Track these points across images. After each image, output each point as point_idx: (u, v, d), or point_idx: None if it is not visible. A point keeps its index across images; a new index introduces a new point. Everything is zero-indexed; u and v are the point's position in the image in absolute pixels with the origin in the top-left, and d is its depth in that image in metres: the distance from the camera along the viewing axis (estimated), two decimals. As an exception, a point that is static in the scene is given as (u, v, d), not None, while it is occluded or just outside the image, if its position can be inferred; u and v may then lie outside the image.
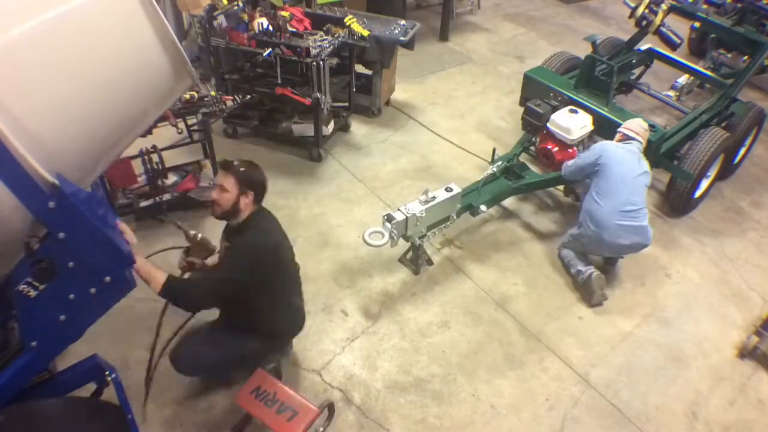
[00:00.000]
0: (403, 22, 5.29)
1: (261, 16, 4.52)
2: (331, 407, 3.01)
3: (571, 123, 4.27)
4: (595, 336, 3.72)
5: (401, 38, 5.01)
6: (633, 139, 3.91)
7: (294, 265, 3.12)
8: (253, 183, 2.79)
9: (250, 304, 2.84)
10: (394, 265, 4.04)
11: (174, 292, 2.59)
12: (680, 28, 7.20)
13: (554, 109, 4.45)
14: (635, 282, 4.14)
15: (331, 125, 5.12)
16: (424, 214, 3.51)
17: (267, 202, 4.35)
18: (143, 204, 4.13)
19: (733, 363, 3.65)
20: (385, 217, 3.45)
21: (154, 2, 1.96)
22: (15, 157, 1.69)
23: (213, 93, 3.91)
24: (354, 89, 5.38)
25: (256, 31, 4.43)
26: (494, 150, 4.62)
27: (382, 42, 4.98)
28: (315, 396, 3.21)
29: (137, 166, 4.05)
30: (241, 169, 2.76)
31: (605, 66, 4.69)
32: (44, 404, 2.31)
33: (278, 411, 2.74)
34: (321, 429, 3.01)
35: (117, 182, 4.06)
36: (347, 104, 5.40)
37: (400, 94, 5.95)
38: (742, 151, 5.19)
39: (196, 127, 4.10)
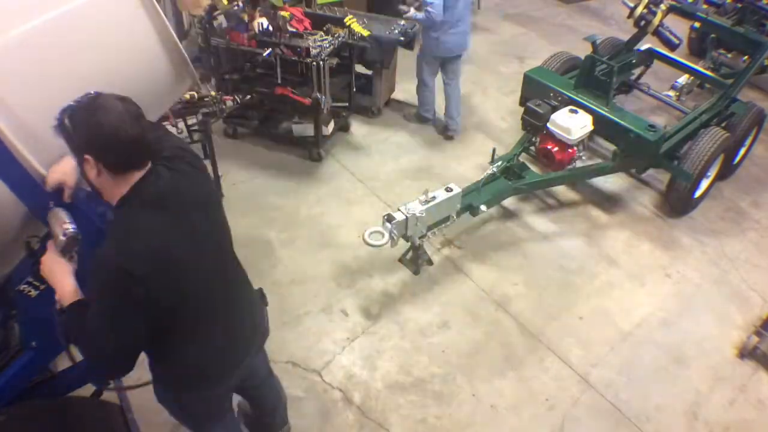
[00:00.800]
0: (402, 22, 5.28)
1: (261, 16, 4.52)
2: None
3: (571, 123, 4.27)
4: (595, 336, 3.72)
5: (400, 38, 5.02)
6: None
7: (213, 282, 1.96)
8: (88, 141, 1.60)
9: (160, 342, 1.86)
10: (394, 265, 4.04)
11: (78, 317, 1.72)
12: (680, 28, 7.21)
13: (554, 109, 4.45)
14: (635, 282, 4.14)
15: (331, 125, 5.12)
16: (424, 214, 3.51)
17: (267, 203, 4.41)
18: None
19: (733, 363, 3.65)
20: (385, 217, 3.45)
21: (155, 3, 1.96)
22: (16, 156, 1.69)
23: (213, 93, 3.91)
24: (354, 89, 5.37)
25: (256, 31, 4.43)
26: (494, 150, 4.62)
27: (381, 42, 4.98)
28: (315, 396, 3.22)
29: None
30: (65, 122, 1.60)
31: (605, 66, 4.68)
32: (44, 404, 2.31)
33: None
34: None
35: None
36: (347, 104, 5.41)
37: (399, 93, 5.94)
38: (742, 151, 5.19)
39: (196, 127, 4.10)
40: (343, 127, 5.41)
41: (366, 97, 5.54)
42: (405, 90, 6.03)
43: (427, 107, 5.49)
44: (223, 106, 3.93)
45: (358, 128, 5.50)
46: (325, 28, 4.66)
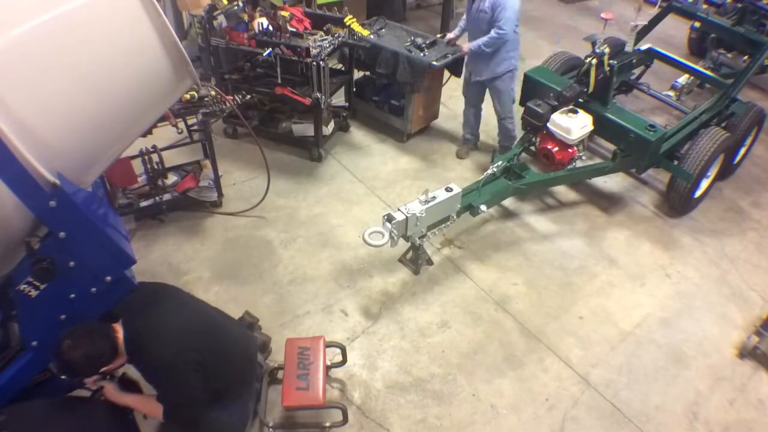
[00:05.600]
0: (419, 40, 4.98)
1: (261, 16, 4.52)
2: (345, 412, 2.99)
3: (571, 123, 4.27)
4: (595, 336, 3.72)
5: (433, 62, 4.69)
6: None
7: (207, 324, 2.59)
8: (88, 366, 2.16)
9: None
10: (394, 265, 4.04)
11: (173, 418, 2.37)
12: (680, 28, 7.21)
13: (554, 109, 4.44)
14: (635, 282, 4.14)
15: (331, 125, 5.12)
16: (424, 214, 3.51)
17: (267, 202, 4.41)
18: (143, 204, 4.13)
19: (733, 363, 3.65)
20: (385, 217, 3.45)
21: (156, 3, 1.96)
22: (16, 156, 1.69)
23: (213, 93, 3.92)
24: (354, 90, 5.36)
25: (256, 31, 4.43)
26: (494, 150, 4.62)
27: (413, 65, 4.76)
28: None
29: (137, 166, 4.05)
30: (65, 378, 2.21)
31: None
32: (45, 404, 2.31)
33: (299, 376, 2.87)
34: (327, 423, 3.03)
35: (117, 182, 4.06)
36: (347, 104, 5.40)
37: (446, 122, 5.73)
38: (742, 151, 5.19)
39: (196, 127, 4.10)
40: (343, 127, 5.41)
41: (398, 119, 5.25)
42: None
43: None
44: (223, 106, 3.93)
45: (358, 128, 5.50)
46: (325, 28, 4.67)
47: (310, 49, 4.32)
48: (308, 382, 2.86)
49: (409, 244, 3.82)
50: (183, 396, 2.30)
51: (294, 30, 4.53)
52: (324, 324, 3.64)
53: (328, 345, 3.13)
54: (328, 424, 3.02)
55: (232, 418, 2.56)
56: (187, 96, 3.73)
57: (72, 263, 2.01)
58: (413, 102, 5.05)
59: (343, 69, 5.25)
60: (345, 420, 3.00)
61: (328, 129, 5.06)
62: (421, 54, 4.77)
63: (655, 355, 3.64)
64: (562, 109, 4.37)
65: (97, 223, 2.00)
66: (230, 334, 2.68)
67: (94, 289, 2.11)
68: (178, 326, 2.37)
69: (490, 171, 4.12)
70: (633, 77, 5.71)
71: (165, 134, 4.03)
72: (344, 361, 3.28)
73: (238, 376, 2.62)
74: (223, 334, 2.62)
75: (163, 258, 3.99)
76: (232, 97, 3.92)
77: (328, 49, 4.42)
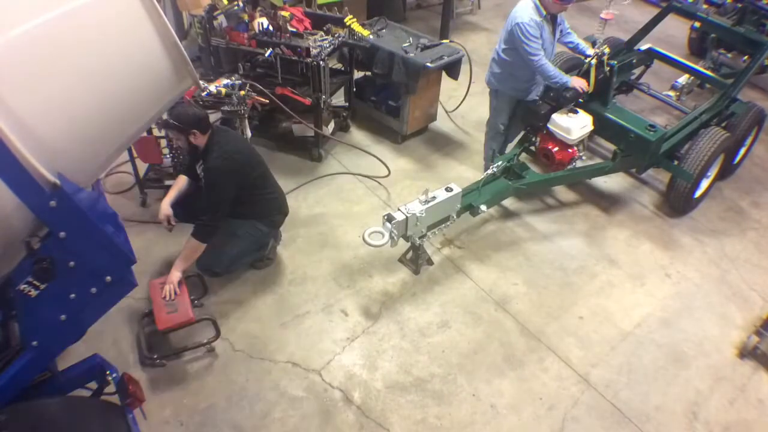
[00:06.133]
0: (446, 42, 5.02)
1: (261, 16, 4.52)
2: (215, 324, 3.38)
3: (571, 123, 4.27)
4: (595, 336, 3.73)
5: (428, 64, 4.68)
6: None
7: (261, 162, 3.69)
8: (189, 122, 3.24)
9: (249, 200, 3.55)
10: (394, 265, 4.04)
11: (201, 234, 3.37)
12: (680, 28, 7.22)
13: (554, 109, 4.45)
14: (635, 282, 4.14)
15: (331, 125, 5.12)
16: (424, 214, 3.51)
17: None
18: (167, 183, 4.18)
19: (733, 363, 3.65)
20: (385, 217, 3.45)
21: (156, 4, 1.96)
22: (16, 156, 1.69)
23: (243, 93, 3.91)
24: (354, 90, 5.36)
25: (256, 31, 4.44)
26: (494, 150, 4.62)
27: (408, 65, 4.75)
28: (315, 396, 3.22)
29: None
30: (171, 120, 3.23)
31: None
32: (45, 404, 2.31)
33: (167, 304, 3.28)
34: (205, 341, 3.37)
35: (144, 158, 4.19)
36: (347, 104, 5.40)
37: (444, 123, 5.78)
38: (742, 151, 5.19)
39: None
40: (343, 127, 5.41)
41: (395, 120, 5.26)
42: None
43: None
44: (246, 108, 3.95)
45: (358, 128, 5.50)
46: (325, 28, 4.67)
47: (310, 49, 4.32)
48: (176, 307, 3.27)
49: (409, 244, 3.83)
50: (215, 197, 3.33)
51: (294, 30, 4.53)
52: (324, 324, 3.64)
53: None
54: (205, 341, 3.36)
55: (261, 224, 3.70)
56: (214, 90, 3.89)
57: (72, 263, 2.00)
58: (409, 103, 5.05)
59: (343, 69, 5.25)
60: (217, 333, 3.36)
61: (328, 129, 5.07)
62: (418, 54, 4.77)
63: (655, 355, 3.64)
64: (562, 109, 4.37)
65: (97, 223, 2.00)
66: (273, 179, 3.79)
67: (94, 289, 2.11)
68: (237, 149, 3.44)
69: (490, 171, 4.12)
70: (633, 77, 5.71)
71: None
72: (217, 335, 3.42)
73: (273, 202, 3.75)
74: (268, 176, 3.75)
75: (164, 258, 4.00)
76: (252, 100, 3.95)
77: (328, 49, 4.42)
